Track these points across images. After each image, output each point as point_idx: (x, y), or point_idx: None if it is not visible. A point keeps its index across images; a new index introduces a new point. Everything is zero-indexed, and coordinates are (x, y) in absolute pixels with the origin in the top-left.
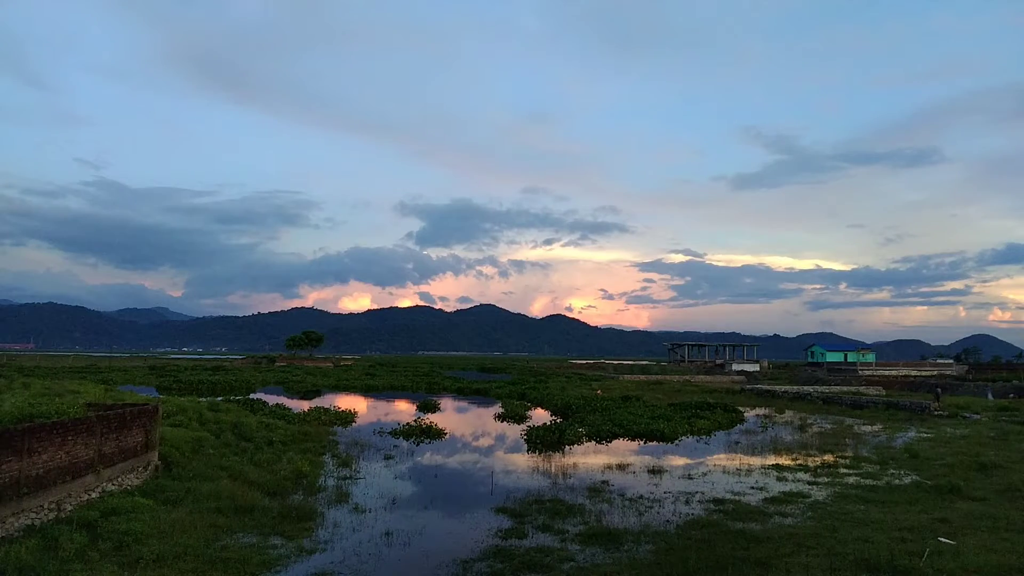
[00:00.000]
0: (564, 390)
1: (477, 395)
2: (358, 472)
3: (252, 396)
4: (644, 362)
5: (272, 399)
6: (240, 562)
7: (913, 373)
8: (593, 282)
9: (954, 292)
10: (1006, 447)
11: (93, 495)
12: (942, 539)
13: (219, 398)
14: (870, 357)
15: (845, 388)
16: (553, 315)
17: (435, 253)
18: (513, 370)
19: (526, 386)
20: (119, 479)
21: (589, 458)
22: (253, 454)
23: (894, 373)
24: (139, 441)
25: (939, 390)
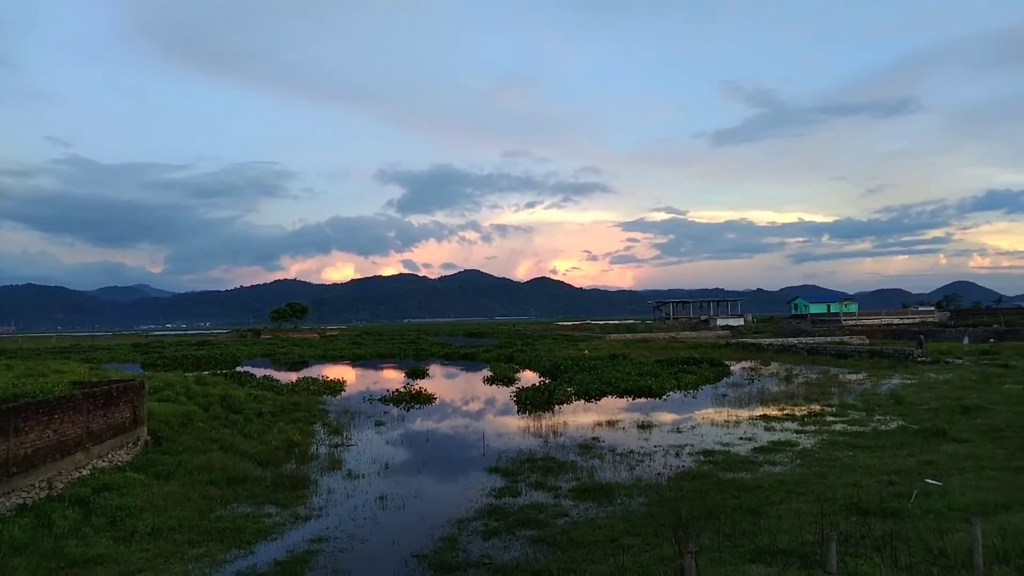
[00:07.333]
0: (551, 351)
1: (465, 360)
2: (349, 439)
3: (239, 369)
4: (630, 321)
5: (260, 371)
6: (235, 531)
7: (895, 321)
8: (576, 244)
9: (935, 240)
10: (988, 389)
11: (84, 472)
12: (929, 480)
13: (205, 372)
14: (852, 307)
15: (829, 339)
16: (537, 278)
17: (417, 220)
18: (500, 334)
19: (513, 349)
20: (109, 455)
21: (579, 416)
22: (243, 426)
23: (877, 322)
24: (127, 417)
25: (921, 337)
